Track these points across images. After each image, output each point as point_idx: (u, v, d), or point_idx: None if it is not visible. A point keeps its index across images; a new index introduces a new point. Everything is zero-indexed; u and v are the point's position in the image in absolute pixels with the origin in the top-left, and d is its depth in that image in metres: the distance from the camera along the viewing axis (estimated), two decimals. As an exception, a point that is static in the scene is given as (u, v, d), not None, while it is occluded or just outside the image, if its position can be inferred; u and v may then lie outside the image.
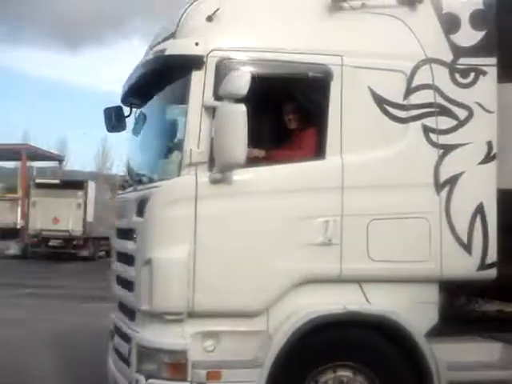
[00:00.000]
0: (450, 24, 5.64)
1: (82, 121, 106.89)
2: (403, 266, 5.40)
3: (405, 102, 5.49)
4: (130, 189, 6.11)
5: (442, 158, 5.53)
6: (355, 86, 5.40)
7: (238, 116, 4.85)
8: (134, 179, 6.20)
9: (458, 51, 5.63)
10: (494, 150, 5.62)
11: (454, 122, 5.57)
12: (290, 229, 5.20)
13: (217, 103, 5.03)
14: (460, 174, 5.56)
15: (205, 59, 5.16)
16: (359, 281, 5.39)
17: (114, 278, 6.20)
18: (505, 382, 5.58)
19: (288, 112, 5.72)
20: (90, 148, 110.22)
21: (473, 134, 5.60)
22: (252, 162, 5.36)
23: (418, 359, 5.34)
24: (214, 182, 5.08)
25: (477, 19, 5.67)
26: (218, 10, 5.22)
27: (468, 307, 6.63)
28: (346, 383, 5.28)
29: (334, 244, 5.26)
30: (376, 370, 5.29)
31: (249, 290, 5.15)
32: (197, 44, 5.17)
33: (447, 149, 5.54)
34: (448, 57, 5.61)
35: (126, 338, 5.60)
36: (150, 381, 5.09)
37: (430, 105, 5.53)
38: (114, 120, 6.56)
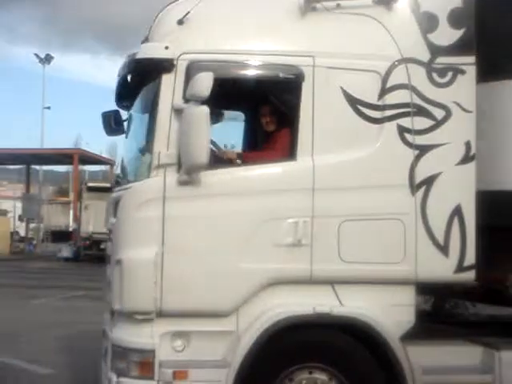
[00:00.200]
0: (427, 23, 5.55)
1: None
2: (376, 267, 5.35)
3: (379, 103, 5.43)
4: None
5: (418, 158, 5.45)
6: (327, 87, 5.37)
7: (201, 118, 4.90)
8: (119, 181, 6.34)
9: (436, 50, 5.54)
10: (473, 151, 5.50)
11: (431, 122, 5.49)
12: (259, 230, 5.21)
13: (185, 106, 5.09)
14: (437, 175, 5.46)
15: (175, 62, 5.23)
16: (332, 282, 5.36)
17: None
18: None
19: (264, 114, 5.74)
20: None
21: (450, 134, 5.50)
22: (226, 163, 5.43)
23: (391, 362, 5.28)
24: (182, 183, 5.14)
25: (455, 17, 5.56)
26: (188, 13, 5.28)
27: (453, 310, 6.49)
28: None
29: (303, 245, 5.25)
30: (345, 373, 5.26)
31: (217, 290, 5.19)
32: (167, 48, 5.24)
33: (423, 149, 5.46)
34: (425, 56, 5.53)
35: (106, 337, 5.72)
36: (120, 379, 5.19)
37: (405, 105, 5.46)
38: (113, 124, 6.69)
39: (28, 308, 14.72)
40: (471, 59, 5.53)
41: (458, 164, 5.50)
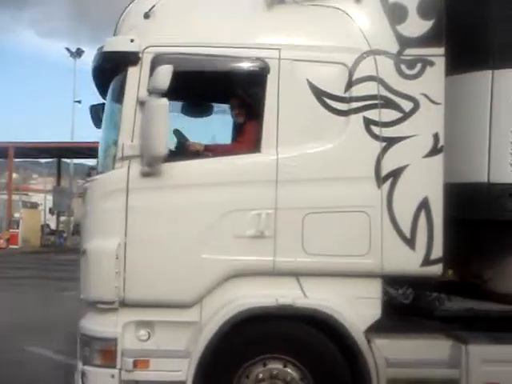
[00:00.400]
0: (396, 14, 5.50)
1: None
2: (341, 260, 5.34)
3: (346, 95, 5.41)
4: None
5: (384, 150, 5.41)
6: (293, 80, 5.37)
7: (159, 110, 4.95)
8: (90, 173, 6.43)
9: (405, 42, 5.48)
10: (441, 143, 5.44)
11: (399, 115, 5.44)
12: (222, 221, 5.24)
13: (147, 98, 5.14)
14: (404, 168, 5.42)
15: (140, 55, 5.28)
16: (296, 274, 5.36)
17: None
18: (453, 381, 5.42)
19: (233, 107, 5.77)
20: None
21: (418, 126, 5.45)
22: (193, 155, 5.48)
23: (355, 355, 5.28)
24: (144, 175, 5.20)
25: (425, 8, 5.50)
26: (154, 6, 5.33)
27: (433, 304, 6.43)
28: (277, 376, 5.28)
29: (266, 237, 5.26)
30: (307, 365, 5.27)
31: (180, 281, 5.24)
32: (132, 41, 5.30)
33: (391, 141, 5.42)
34: (394, 48, 5.48)
35: None
36: (85, 367, 5.29)
37: (372, 97, 5.42)
38: (102, 116, 6.77)
39: (58, 300, 14.91)
40: (440, 51, 5.47)
41: (426, 156, 5.44)
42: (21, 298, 15.16)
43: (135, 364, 5.15)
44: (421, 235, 5.41)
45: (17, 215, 42.45)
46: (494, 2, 5.59)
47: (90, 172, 6.55)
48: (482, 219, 5.58)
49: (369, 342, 5.33)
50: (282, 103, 5.35)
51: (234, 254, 5.26)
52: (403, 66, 5.48)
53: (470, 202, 5.56)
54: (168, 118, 4.98)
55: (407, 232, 5.41)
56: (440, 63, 5.47)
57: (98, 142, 6.05)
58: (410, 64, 5.48)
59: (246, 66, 5.39)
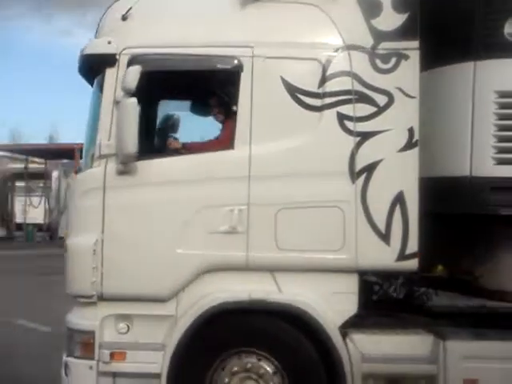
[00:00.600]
0: (371, 8, 5.48)
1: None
2: (314, 255, 5.36)
3: (319, 91, 5.42)
4: None
5: (358, 145, 5.39)
6: (266, 77, 5.43)
7: (128, 109, 5.11)
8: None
9: (379, 36, 5.45)
10: (416, 137, 5.39)
11: (373, 109, 5.42)
12: (195, 217, 5.34)
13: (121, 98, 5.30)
14: (378, 162, 5.39)
15: (117, 57, 5.44)
16: (270, 269, 5.41)
17: None
18: (431, 377, 5.37)
19: (212, 105, 5.85)
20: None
21: (393, 120, 5.41)
22: (171, 152, 5.62)
23: (328, 350, 5.30)
24: (120, 173, 5.36)
25: (399, 2, 5.45)
26: (130, 8, 5.48)
27: (422, 299, 6.35)
28: (250, 369, 5.35)
29: (239, 233, 5.33)
30: (280, 359, 5.33)
31: (156, 276, 5.37)
32: (109, 42, 5.46)
33: (365, 136, 5.40)
34: (368, 42, 5.46)
35: None
36: (68, 358, 5.50)
37: (346, 92, 5.42)
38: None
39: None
40: (415, 44, 5.41)
41: (401, 151, 5.40)
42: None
43: (112, 356, 5.32)
44: (396, 230, 5.37)
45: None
46: None
47: (78, 171, 6.76)
48: (465, 213, 5.51)
49: (346, 336, 5.35)
50: (256, 100, 5.41)
51: (208, 249, 5.36)
52: (378, 61, 5.45)
53: (452, 196, 5.50)
54: (136, 117, 5.12)
55: (382, 227, 5.38)
56: (415, 56, 5.42)
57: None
58: (385, 58, 5.45)
59: (220, 64, 5.46)
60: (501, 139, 5.38)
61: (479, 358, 5.31)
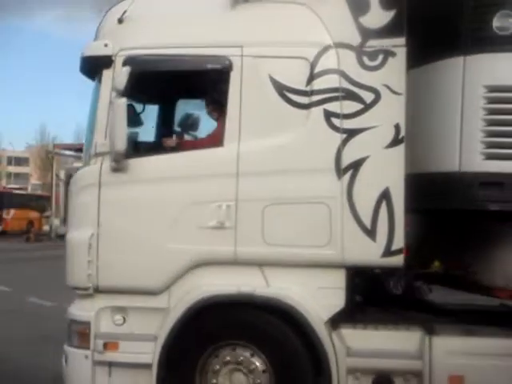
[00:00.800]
0: (358, 6, 5.52)
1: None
2: (300, 250, 5.45)
3: (307, 89, 5.50)
4: None
5: (345, 142, 5.45)
6: (255, 76, 5.54)
7: (118, 109, 5.33)
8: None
9: (367, 34, 5.49)
10: (402, 133, 5.40)
11: (360, 106, 5.46)
12: (185, 213, 5.51)
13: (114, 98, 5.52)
14: (364, 159, 5.43)
15: (113, 58, 5.67)
16: (259, 264, 5.54)
17: None
18: (416, 372, 5.39)
19: (206, 105, 6.01)
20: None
21: (380, 117, 5.44)
22: (165, 150, 5.81)
23: (314, 343, 5.39)
24: (114, 170, 5.58)
25: None
26: (125, 12, 5.69)
27: (415, 295, 6.34)
28: (242, 362, 5.50)
29: (227, 228, 5.48)
30: (266, 353, 5.46)
31: (147, 270, 5.58)
32: (106, 45, 5.69)
33: (351, 133, 5.45)
34: (355, 40, 5.50)
35: None
36: (66, 347, 5.78)
37: (334, 90, 5.48)
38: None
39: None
40: (401, 41, 5.42)
41: (387, 147, 5.43)
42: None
43: (105, 346, 5.56)
44: (381, 226, 5.41)
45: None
46: None
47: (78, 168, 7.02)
48: (455, 209, 5.50)
49: (333, 331, 5.43)
50: (245, 99, 5.54)
51: (197, 243, 5.52)
52: (365, 58, 5.49)
53: (442, 192, 5.50)
54: (125, 117, 5.33)
55: (368, 223, 5.43)
56: (401, 53, 5.43)
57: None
58: (372, 55, 5.48)
59: (210, 64, 5.59)
60: (489, 134, 5.35)
61: (466, 354, 5.31)
